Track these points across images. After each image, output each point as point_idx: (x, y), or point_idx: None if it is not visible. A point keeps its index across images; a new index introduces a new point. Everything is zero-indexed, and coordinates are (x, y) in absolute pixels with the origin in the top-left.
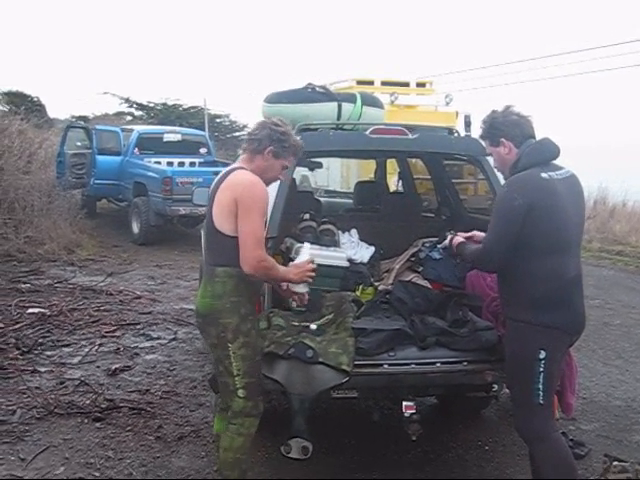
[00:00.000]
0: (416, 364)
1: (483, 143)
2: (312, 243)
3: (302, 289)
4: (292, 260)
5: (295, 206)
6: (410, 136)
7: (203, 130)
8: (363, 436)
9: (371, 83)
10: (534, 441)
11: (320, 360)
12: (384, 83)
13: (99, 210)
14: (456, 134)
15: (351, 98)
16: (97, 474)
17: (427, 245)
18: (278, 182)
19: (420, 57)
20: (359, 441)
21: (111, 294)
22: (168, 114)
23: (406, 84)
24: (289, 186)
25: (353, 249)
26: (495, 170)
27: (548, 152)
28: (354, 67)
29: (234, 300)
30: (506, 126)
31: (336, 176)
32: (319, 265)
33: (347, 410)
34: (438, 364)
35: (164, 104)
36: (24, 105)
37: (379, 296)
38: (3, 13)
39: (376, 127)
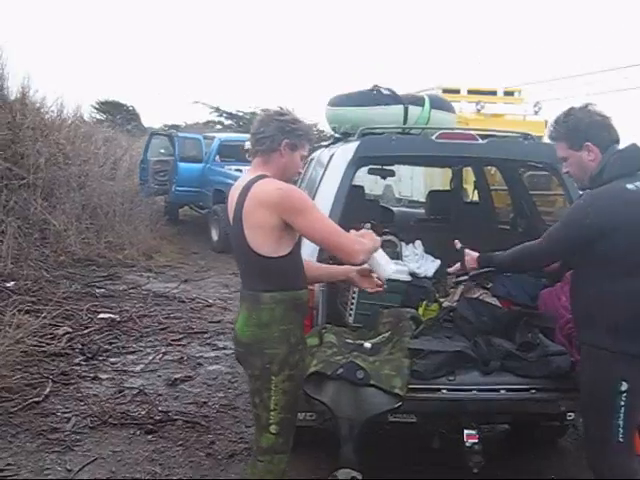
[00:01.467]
0: (478, 390)
1: (557, 146)
2: None
3: (392, 265)
4: None
5: (360, 215)
6: (479, 142)
7: None
8: (422, 465)
9: (457, 92)
10: None
11: (371, 382)
12: (471, 91)
13: (181, 217)
14: (531, 140)
15: (419, 101)
16: None
17: None
18: (335, 189)
19: (509, 65)
20: (416, 471)
21: (183, 301)
22: None
23: (493, 92)
24: (347, 194)
25: (417, 262)
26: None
27: (637, 161)
28: (440, 75)
29: (283, 328)
30: (593, 128)
31: (419, 186)
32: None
33: (404, 436)
34: (502, 391)
35: (252, 113)
36: (120, 114)
37: (443, 314)
38: (100, 25)
39: (443, 132)
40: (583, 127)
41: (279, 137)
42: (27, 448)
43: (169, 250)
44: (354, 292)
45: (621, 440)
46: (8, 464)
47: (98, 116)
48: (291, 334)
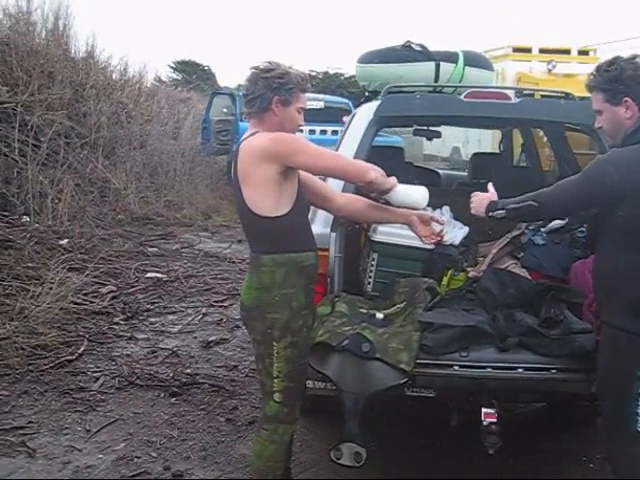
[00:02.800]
0: (493, 368)
1: (594, 96)
2: None
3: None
4: (372, 240)
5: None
6: (511, 101)
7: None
8: (439, 443)
9: (529, 50)
10: (628, 476)
11: (377, 356)
12: (542, 50)
13: None
14: (572, 99)
15: (452, 57)
16: (154, 454)
17: (531, 227)
18: (353, 150)
19: (585, 23)
20: (433, 448)
21: (233, 262)
22: (329, 83)
23: (567, 51)
24: (367, 155)
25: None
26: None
27: None
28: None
29: (285, 292)
30: (636, 82)
31: (487, 148)
32: (398, 246)
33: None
34: (520, 370)
35: (325, 73)
36: (195, 74)
37: (467, 284)
38: None
39: (472, 90)
40: (625, 79)
41: (268, 95)
42: (51, 406)
43: (228, 210)
44: (373, 259)
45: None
46: (30, 422)
47: (174, 75)
48: (293, 299)
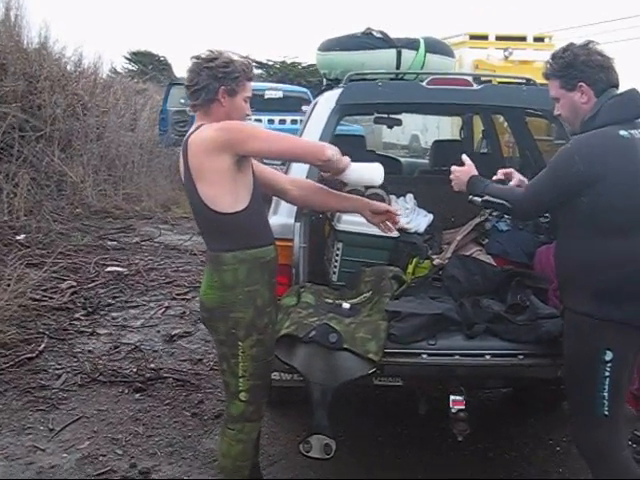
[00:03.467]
0: (461, 355)
1: (551, 84)
2: None
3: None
4: (337, 229)
5: None
6: (473, 88)
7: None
8: (408, 431)
9: (485, 38)
10: (595, 459)
11: (344, 346)
12: (499, 38)
13: None
14: (533, 85)
15: (413, 44)
16: (120, 452)
17: (495, 214)
18: (317, 135)
19: (540, 10)
20: (402, 437)
21: (194, 254)
22: (287, 72)
23: (523, 38)
24: (330, 142)
25: (407, 217)
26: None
27: (635, 108)
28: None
29: (248, 290)
30: (589, 67)
31: (447, 135)
32: (363, 235)
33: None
34: (487, 356)
35: (283, 62)
36: (151, 64)
37: (432, 272)
38: None
39: (434, 77)
40: (579, 64)
41: (214, 86)
42: (12, 406)
43: (187, 202)
44: (338, 248)
45: (606, 414)
46: None
47: (130, 66)
48: (257, 296)
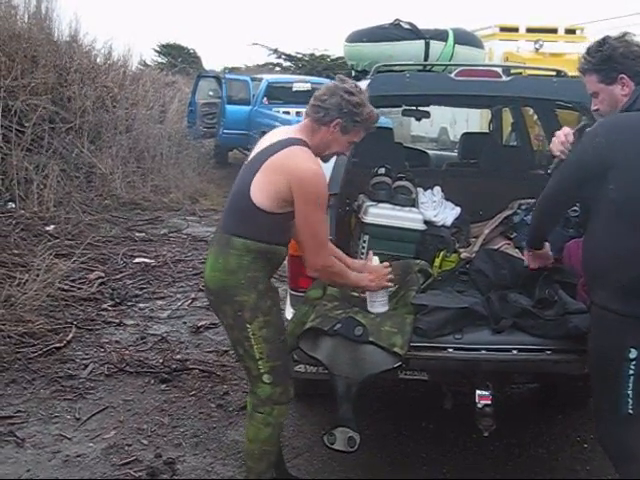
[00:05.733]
0: (487, 350)
1: (588, 79)
2: (384, 202)
3: (380, 309)
4: (363, 222)
5: (385, 158)
6: (502, 79)
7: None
8: (433, 425)
9: (516, 30)
10: (620, 459)
11: (370, 339)
12: (529, 30)
13: (231, 160)
14: (563, 77)
15: (442, 35)
16: (145, 442)
17: (523, 207)
18: None
19: (572, 2)
20: (427, 431)
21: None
22: (315, 65)
23: (554, 30)
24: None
25: (434, 210)
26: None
27: None
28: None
29: (250, 275)
30: (629, 59)
31: (476, 128)
32: (389, 228)
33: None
34: (514, 351)
35: (312, 55)
36: (181, 57)
37: (459, 266)
38: None
39: (463, 69)
40: (618, 57)
41: (334, 114)
42: (40, 395)
43: (215, 194)
44: (364, 241)
45: (630, 412)
46: (18, 411)
47: (159, 59)
48: (259, 281)
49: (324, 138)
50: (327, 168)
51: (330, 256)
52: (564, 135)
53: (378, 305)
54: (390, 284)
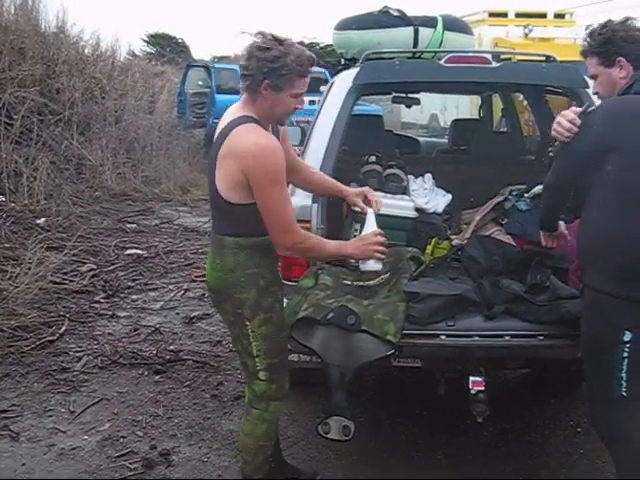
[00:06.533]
0: (480, 336)
1: (588, 62)
2: (375, 190)
3: (373, 266)
4: (355, 210)
5: (376, 146)
6: (492, 65)
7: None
8: (427, 412)
9: (505, 15)
10: (613, 441)
11: (363, 328)
12: (519, 15)
13: None
14: (553, 62)
15: (431, 22)
16: (140, 433)
17: (514, 193)
18: (333, 119)
19: None
20: (421, 418)
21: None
22: None
23: (543, 15)
24: (347, 125)
25: (425, 197)
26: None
27: None
28: None
29: (250, 272)
30: (628, 42)
31: (466, 115)
32: (381, 215)
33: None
34: (507, 337)
35: (300, 43)
36: (169, 47)
37: (450, 253)
38: None
39: (452, 55)
40: (617, 40)
41: (259, 77)
42: (34, 388)
43: (206, 184)
44: (356, 229)
45: (624, 394)
46: (13, 404)
47: (148, 49)
48: (259, 277)
49: (264, 104)
50: (317, 157)
51: (299, 232)
52: (569, 120)
53: (371, 262)
54: (379, 255)
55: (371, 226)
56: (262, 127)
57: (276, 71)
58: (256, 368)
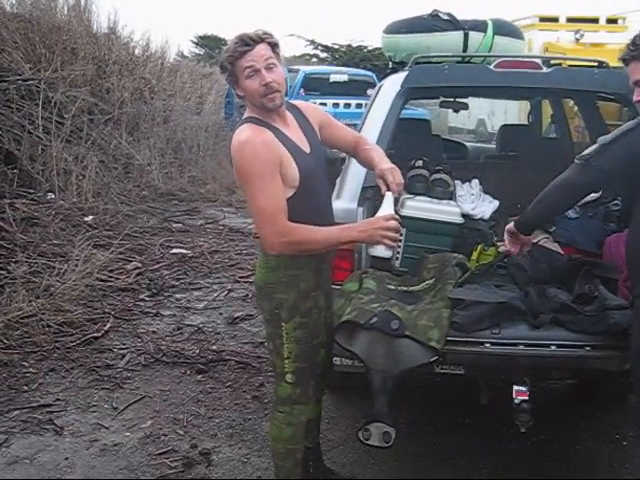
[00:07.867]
0: (525, 345)
1: (633, 67)
2: (421, 195)
3: (383, 253)
4: (401, 215)
5: (422, 150)
6: (543, 71)
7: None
8: (469, 420)
9: (555, 20)
10: None
11: (406, 333)
12: (570, 20)
13: None
14: (605, 68)
15: (481, 26)
16: (181, 432)
17: None
18: (380, 123)
19: None
20: (463, 426)
21: (258, 237)
22: (352, 56)
23: (595, 20)
24: (394, 128)
25: (472, 203)
26: None
27: None
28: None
29: (291, 274)
30: None
31: (514, 120)
32: (427, 221)
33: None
34: (553, 347)
35: (348, 46)
36: (218, 48)
37: (497, 260)
38: None
39: (502, 60)
40: None
41: (225, 75)
42: (78, 384)
43: None
44: (401, 234)
45: None
46: (57, 399)
47: (197, 50)
48: (300, 280)
49: (247, 99)
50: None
51: (286, 225)
52: None
53: (380, 248)
54: (389, 241)
55: (386, 210)
56: (261, 124)
57: (222, 68)
58: (284, 370)
